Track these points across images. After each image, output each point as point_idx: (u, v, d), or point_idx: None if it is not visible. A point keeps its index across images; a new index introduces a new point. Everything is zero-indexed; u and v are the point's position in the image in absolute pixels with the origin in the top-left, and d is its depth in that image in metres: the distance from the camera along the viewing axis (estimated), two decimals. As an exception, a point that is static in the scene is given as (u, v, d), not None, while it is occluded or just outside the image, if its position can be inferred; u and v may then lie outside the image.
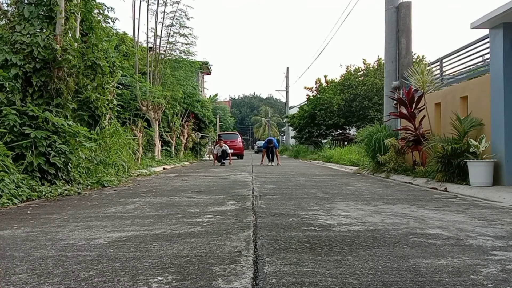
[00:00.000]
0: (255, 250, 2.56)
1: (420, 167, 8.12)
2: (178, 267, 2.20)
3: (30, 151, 5.79)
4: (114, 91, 9.58)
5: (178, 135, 19.10)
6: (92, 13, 8.52)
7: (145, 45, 16.36)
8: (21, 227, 3.40)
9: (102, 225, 3.44)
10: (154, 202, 4.93)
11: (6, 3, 7.22)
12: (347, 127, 24.94)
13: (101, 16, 9.22)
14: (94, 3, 8.63)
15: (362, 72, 24.28)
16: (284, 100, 46.76)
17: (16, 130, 5.79)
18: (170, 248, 2.63)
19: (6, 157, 5.42)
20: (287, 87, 42.05)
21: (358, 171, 10.87)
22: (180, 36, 16.86)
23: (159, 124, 15.90)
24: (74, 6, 7.33)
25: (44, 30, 6.68)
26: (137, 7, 15.05)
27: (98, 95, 8.35)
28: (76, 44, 7.27)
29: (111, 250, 2.58)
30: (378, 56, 23.91)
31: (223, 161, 16.29)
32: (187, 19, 16.55)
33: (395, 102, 9.99)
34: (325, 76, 27.04)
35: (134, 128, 12.25)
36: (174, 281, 1.97)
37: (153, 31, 16.10)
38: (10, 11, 6.92)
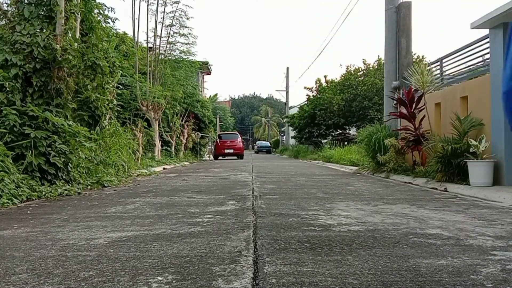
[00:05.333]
0: (255, 250, 2.56)
1: (420, 167, 8.11)
2: (178, 267, 2.20)
3: (30, 151, 5.79)
4: (114, 91, 9.58)
5: (178, 135, 19.10)
6: (92, 13, 8.52)
7: (145, 45, 16.36)
8: (21, 227, 3.40)
9: (102, 225, 3.44)
10: (154, 202, 4.93)
11: (6, 3, 7.22)
12: (347, 127, 24.92)
13: (101, 16, 9.22)
14: (94, 3, 8.63)
15: (362, 72, 24.27)
16: (284, 100, 46.77)
17: (16, 130, 5.80)
18: (170, 248, 2.63)
19: (6, 157, 5.42)
20: (287, 87, 42.05)
21: (358, 171, 10.86)
22: (180, 36, 16.88)
23: (159, 124, 15.90)
24: (74, 6, 7.33)
25: (44, 30, 6.68)
26: (137, 7, 15.05)
27: (98, 95, 8.34)
28: (76, 44, 7.27)
29: (111, 250, 2.58)
30: (378, 56, 23.89)
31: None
32: (187, 19, 16.57)
33: (395, 102, 9.99)
34: (325, 76, 27.01)
35: (134, 128, 12.24)
36: (174, 281, 1.97)
37: (153, 31, 16.11)
38: (10, 11, 6.92)
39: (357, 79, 23.85)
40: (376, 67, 23.27)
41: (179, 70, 17.79)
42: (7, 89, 6.00)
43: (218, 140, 25.52)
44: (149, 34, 16.11)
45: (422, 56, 22.02)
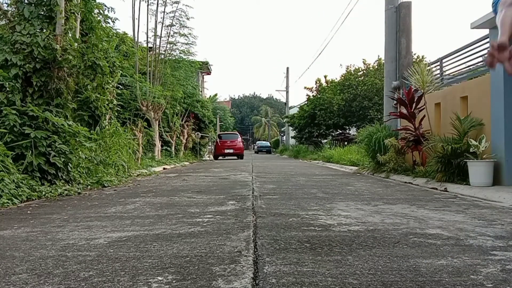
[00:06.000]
0: (255, 250, 2.56)
1: (420, 167, 8.11)
2: (178, 267, 2.20)
3: (30, 151, 5.79)
4: (114, 91, 9.57)
5: (178, 135, 19.09)
6: (92, 13, 8.52)
7: (145, 45, 16.36)
8: (21, 227, 3.40)
9: (102, 225, 3.44)
10: (154, 202, 4.93)
11: (6, 3, 7.22)
12: (347, 127, 24.93)
13: (101, 16, 9.21)
14: (94, 3, 8.63)
15: (362, 72, 24.28)
16: (284, 100, 46.79)
17: (16, 130, 5.79)
18: (170, 248, 2.63)
19: (6, 157, 5.42)
20: (287, 87, 42.06)
21: (358, 171, 10.86)
22: (180, 36, 16.88)
23: (159, 124, 15.90)
24: (74, 6, 7.33)
25: (44, 30, 6.68)
26: (137, 7, 15.06)
27: (98, 95, 8.34)
28: (76, 44, 7.27)
29: (111, 250, 2.58)
30: (378, 56, 23.91)
31: None
32: (187, 19, 16.56)
33: (395, 102, 9.98)
34: (325, 76, 27.04)
35: (134, 128, 12.24)
36: (174, 281, 1.97)
37: (153, 31, 16.11)
38: (10, 11, 6.92)
39: (357, 79, 23.86)
40: (376, 67, 23.28)
41: (179, 70, 17.79)
42: (7, 89, 6.01)
43: (218, 140, 25.53)
44: (149, 34, 16.13)
45: (422, 56, 22.03)
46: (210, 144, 27.77)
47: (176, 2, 16.00)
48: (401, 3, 10.50)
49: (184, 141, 20.03)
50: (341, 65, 59.07)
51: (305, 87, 29.63)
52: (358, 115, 23.09)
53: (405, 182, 7.71)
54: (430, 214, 3.91)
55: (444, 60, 8.79)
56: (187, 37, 16.95)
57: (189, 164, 17.29)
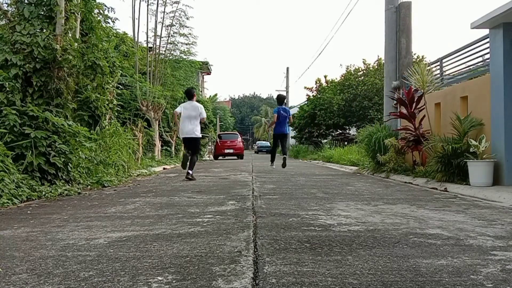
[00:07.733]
0: (255, 250, 2.56)
1: (420, 167, 8.11)
2: (178, 267, 2.20)
3: (30, 151, 5.79)
4: (114, 91, 9.58)
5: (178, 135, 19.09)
6: (92, 13, 8.53)
7: (145, 45, 16.37)
8: (21, 227, 3.40)
9: (102, 225, 3.44)
10: (154, 202, 4.93)
11: (6, 3, 7.23)
12: (347, 127, 24.94)
13: (101, 16, 9.22)
14: (94, 3, 8.64)
15: (362, 72, 24.28)
16: (284, 100, 46.68)
17: (16, 130, 5.80)
18: (170, 248, 2.63)
19: (6, 157, 5.42)
20: (287, 87, 42.03)
21: (358, 171, 10.86)
22: (180, 36, 16.88)
23: (159, 124, 15.90)
24: (74, 6, 7.34)
25: (44, 30, 6.69)
26: (137, 7, 15.08)
27: (98, 95, 8.35)
28: (76, 44, 7.28)
29: (111, 250, 2.58)
30: (378, 56, 23.91)
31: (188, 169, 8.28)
32: (187, 19, 16.58)
33: (395, 102, 9.98)
34: (325, 76, 27.03)
35: (134, 128, 12.24)
36: (174, 281, 1.97)
37: (153, 31, 16.12)
38: (10, 11, 6.93)
39: (357, 79, 23.86)
40: (376, 67, 23.28)
41: (179, 70, 17.79)
42: (7, 89, 6.01)
43: (218, 140, 25.52)
44: (149, 34, 16.14)
45: (422, 56, 22.02)
46: (210, 144, 27.77)
47: (176, 2, 16.03)
48: (401, 3, 10.49)
49: (184, 141, 19.99)
50: (341, 65, 59.19)
51: (305, 87, 29.66)
52: (358, 115, 23.09)
53: (405, 182, 7.70)
54: (430, 214, 3.91)
55: (444, 60, 8.78)
56: (187, 37, 16.97)
57: (189, 164, 17.27)
